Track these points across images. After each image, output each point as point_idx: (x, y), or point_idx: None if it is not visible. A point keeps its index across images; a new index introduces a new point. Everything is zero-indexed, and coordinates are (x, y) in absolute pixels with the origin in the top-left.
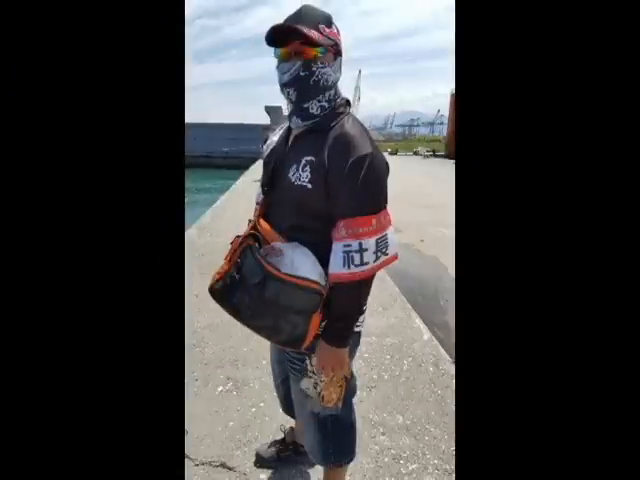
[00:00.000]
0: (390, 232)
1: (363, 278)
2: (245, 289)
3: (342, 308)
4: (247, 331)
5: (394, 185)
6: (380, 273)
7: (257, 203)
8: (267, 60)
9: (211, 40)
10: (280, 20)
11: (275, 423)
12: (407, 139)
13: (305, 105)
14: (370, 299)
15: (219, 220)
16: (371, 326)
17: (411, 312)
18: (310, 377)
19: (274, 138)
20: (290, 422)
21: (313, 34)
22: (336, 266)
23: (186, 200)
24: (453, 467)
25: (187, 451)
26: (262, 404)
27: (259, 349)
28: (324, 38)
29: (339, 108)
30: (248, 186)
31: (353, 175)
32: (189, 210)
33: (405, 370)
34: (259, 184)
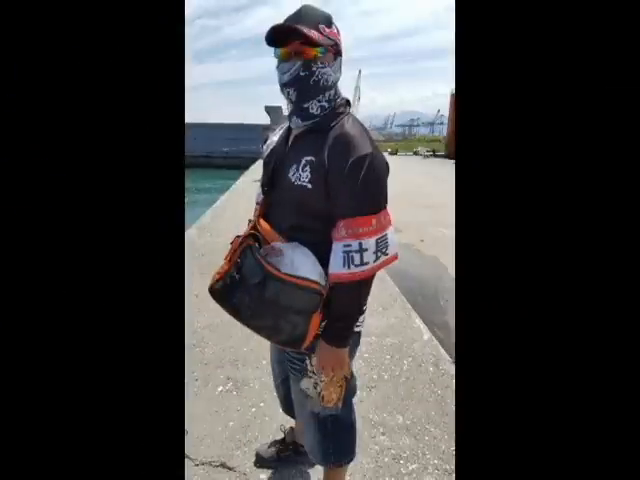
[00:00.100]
0: (390, 232)
1: (363, 278)
2: (245, 289)
3: (342, 308)
4: (247, 331)
5: (394, 185)
6: (380, 273)
7: (257, 203)
8: (267, 60)
9: (211, 40)
10: (280, 20)
11: (275, 423)
12: (407, 139)
13: (305, 105)
14: (370, 299)
15: (219, 220)
16: (371, 326)
17: (411, 312)
18: (310, 377)
19: (274, 138)
20: (290, 422)
21: (313, 34)
22: (336, 266)
23: (186, 200)
24: (453, 467)
25: (187, 451)
26: (262, 404)
27: (259, 349)
28: (324, 38)
29: (339, 108)
30: (248, 186)
31: (353, 175)
32: (189, 210)
33: (405, 370)
34: (259, 184)
